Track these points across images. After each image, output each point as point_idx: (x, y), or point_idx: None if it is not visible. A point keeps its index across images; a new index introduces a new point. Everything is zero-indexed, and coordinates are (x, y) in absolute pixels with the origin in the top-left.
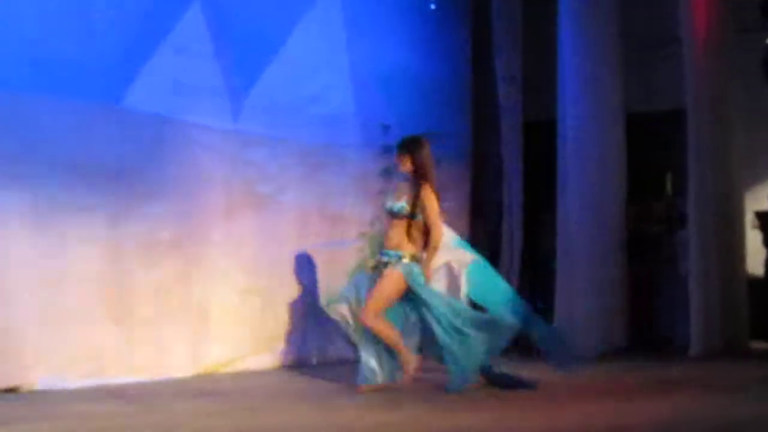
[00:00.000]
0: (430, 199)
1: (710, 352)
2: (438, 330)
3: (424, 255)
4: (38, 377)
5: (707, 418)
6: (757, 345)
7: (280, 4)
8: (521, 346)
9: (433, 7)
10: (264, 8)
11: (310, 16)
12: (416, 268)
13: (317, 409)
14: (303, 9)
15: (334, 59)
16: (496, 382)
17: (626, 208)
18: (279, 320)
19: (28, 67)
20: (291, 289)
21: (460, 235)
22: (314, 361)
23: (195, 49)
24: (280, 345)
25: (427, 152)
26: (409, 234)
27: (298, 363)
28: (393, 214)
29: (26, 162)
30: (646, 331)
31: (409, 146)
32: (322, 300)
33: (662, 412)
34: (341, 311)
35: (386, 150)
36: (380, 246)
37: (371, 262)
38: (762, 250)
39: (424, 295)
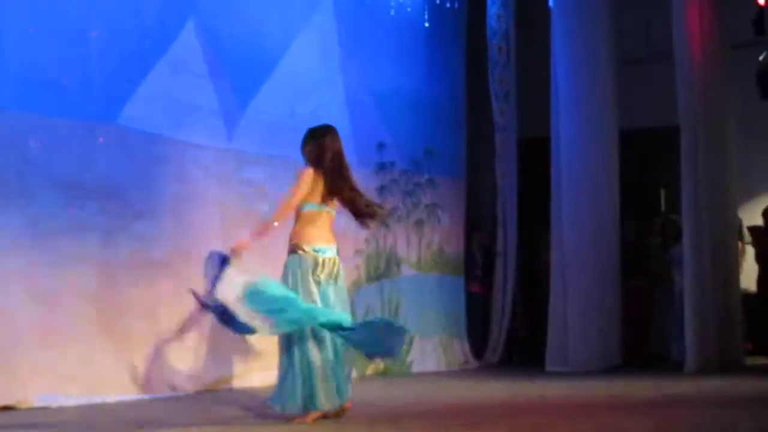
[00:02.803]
0: (297, 178)
1: (705, 368)
2: None
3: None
4: (35, 395)
5: None
6: (752, 361)
7: (275, 24)
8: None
9: (427, 24)
10: (259, 28)
11: (305, 36)
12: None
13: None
14: (298, 29)
15: (329, 78)
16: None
17: (626, 224)
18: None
19: (21, 85)
20: None
21: (456, 251)
22: None
23: (190, 69)
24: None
25: (316, 142)
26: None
27: None
28: None
29: (19, 180)
30: (642, 346)
31: (304, 139)
32: None
33: (655, 428)
34: None
35: (381, 168)
36: None
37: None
38: (755, 266)
39: None
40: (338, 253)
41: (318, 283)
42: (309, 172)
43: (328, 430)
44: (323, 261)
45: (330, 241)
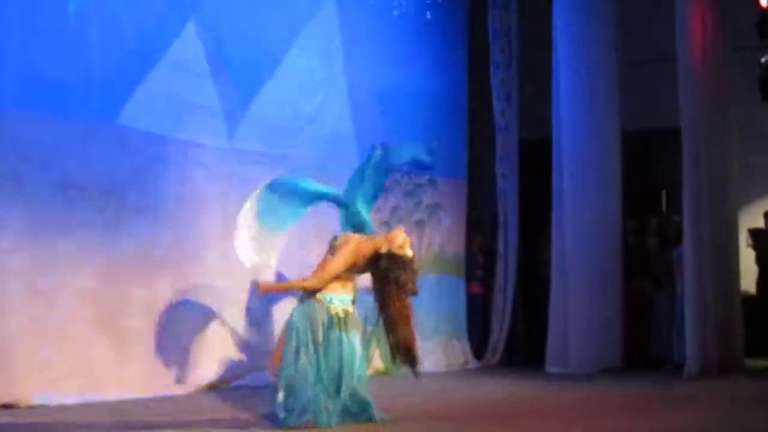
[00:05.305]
0: (343, 246)
1: (705, 370)
2: None
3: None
4: (34, 393)
5: None
6: (752, 362)
7: (277, 23)
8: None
9: (429, 26)
10: (261, 26)
11: (306, 35)
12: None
13: None
14: (300, 27)
15: (331, 78)
16: None
17: (625, 224)
18: (275, 339)
19: (21, 85)
20: (288, 308)
21: (457, 252)
22: None
23: (191, 68)
24: None
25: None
26: None
27: None
28: None
29: (20, 178)
30: (643, 348)
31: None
32: None
33: (655, 430)
34: None
35: None
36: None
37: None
38: (755, 269)
39: None
40: (354, 302)
41: (327, 335)
42: (353, 248)
43: None
44: (336, 311)
45: (347, 291)
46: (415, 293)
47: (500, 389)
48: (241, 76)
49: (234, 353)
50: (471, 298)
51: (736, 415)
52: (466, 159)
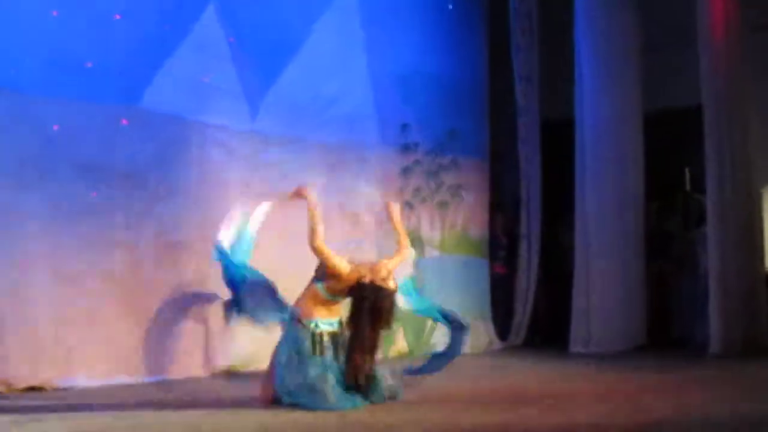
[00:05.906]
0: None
1: (729, 350)
2: None
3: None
4: (59, 376)
5: (725, 415)
6: None
7: (298, 5)
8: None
9: (450, 6)
10: (281, 9)
11: (327, 17)
12: None
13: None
14: (320, 9)
15: (352, 59)
16: None
17: (648, 204)
18: None
19: (44, 69)
20: None
21: (480, 232)
22: None
23: (213, 50)
24: None
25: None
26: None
27: None
28: None
29: (44, 163)
30: (665, 328)
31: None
32: None
33: (679, 410)
34: None
35: (405, 149)
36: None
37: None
38: None
39: None
40: (341, 323)
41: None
42: (344, 270)
43: (353, 413)
44: (321, 334)
45: (333, 315)
46: (389, 329)
47: (525, 370)
48: (261, 58)
49: (258, 335)
50: (494, 279)
51: (757, 395)
52: (488, 139)
